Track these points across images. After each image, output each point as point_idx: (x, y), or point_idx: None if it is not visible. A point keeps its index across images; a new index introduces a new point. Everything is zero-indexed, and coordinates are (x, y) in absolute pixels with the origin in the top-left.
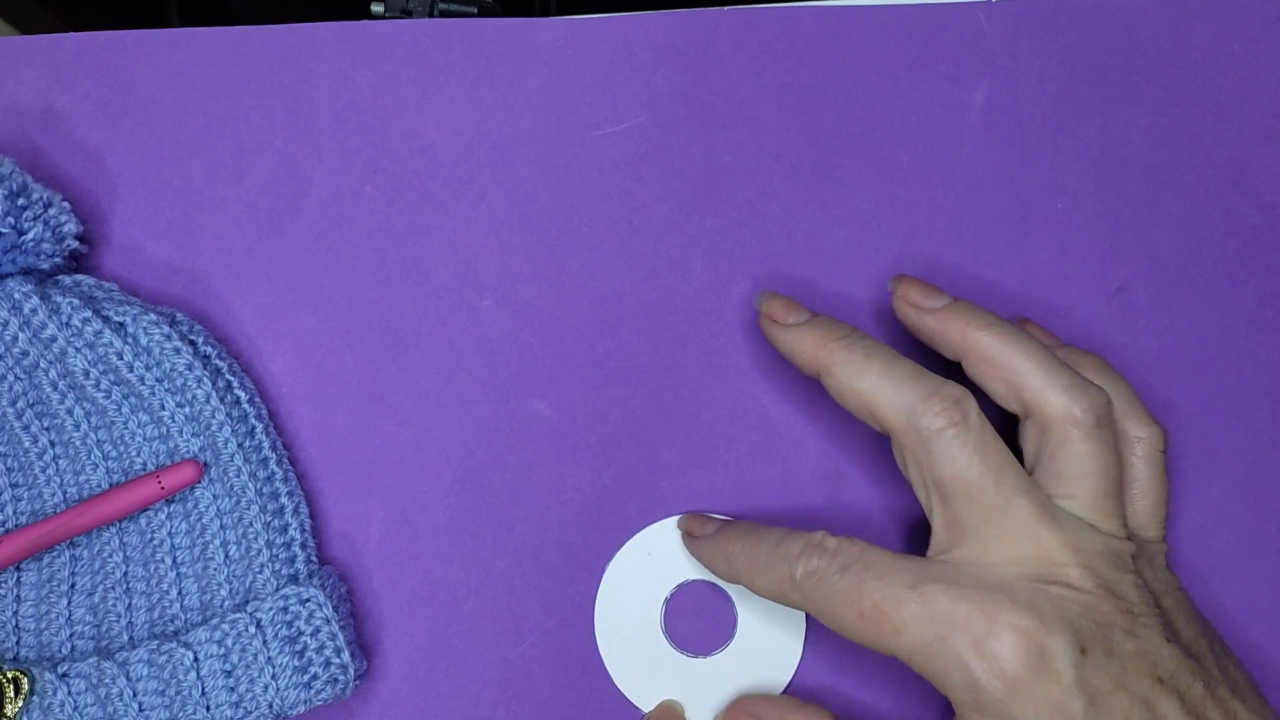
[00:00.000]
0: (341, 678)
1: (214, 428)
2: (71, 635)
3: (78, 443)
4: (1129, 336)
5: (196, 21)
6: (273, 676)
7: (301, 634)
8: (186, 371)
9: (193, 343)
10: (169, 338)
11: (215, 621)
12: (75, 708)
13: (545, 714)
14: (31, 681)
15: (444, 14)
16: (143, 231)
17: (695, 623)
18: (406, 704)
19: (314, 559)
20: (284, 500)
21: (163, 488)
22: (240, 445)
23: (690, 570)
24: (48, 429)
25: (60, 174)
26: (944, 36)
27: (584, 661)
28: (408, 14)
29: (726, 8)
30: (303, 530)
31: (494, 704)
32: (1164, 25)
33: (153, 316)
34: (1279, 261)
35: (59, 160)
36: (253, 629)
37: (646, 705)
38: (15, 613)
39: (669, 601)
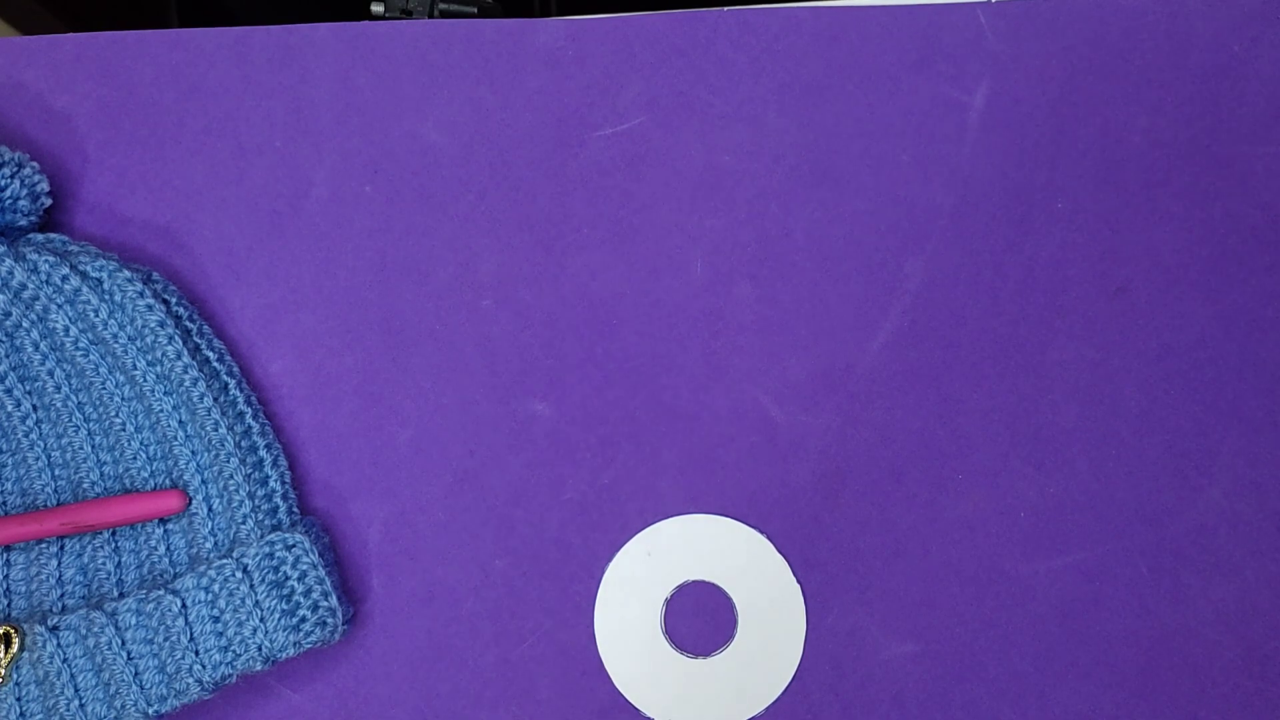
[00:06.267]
0: (330, 620)
1: (187, 384)
2: (62, 595)
3: (59, 405)
4: (1129, 336)
5: (196, 21)
6: (261, 620)
7: (288, 579)
8: (158, 329)
9: (165, 301)
10: (142, 294)
11: (202, 569)
12: (65, 659)
13: (545, 714)
14: (22, 636)
15: (444, 14)
16: (142, 232)
17: (695, 623)
18: (406, 704)
19: (296, 510)
20: (262, 453)
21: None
22: (216, 400)
23: (690, 570)
24: (30, 393)
25: (60, 173)
26: (944, 36)
27: (584, 661)
28: (408, 14)
29: (726, 8)
30: (283, 482)
31: (494, 704)
32: (1164, 25)
33: (127, 273)
34: (1279, 261)
35: (59, 160)
36: (239, 574)
37: (646, 705)
38: (5, 576)
39: (669, 601)
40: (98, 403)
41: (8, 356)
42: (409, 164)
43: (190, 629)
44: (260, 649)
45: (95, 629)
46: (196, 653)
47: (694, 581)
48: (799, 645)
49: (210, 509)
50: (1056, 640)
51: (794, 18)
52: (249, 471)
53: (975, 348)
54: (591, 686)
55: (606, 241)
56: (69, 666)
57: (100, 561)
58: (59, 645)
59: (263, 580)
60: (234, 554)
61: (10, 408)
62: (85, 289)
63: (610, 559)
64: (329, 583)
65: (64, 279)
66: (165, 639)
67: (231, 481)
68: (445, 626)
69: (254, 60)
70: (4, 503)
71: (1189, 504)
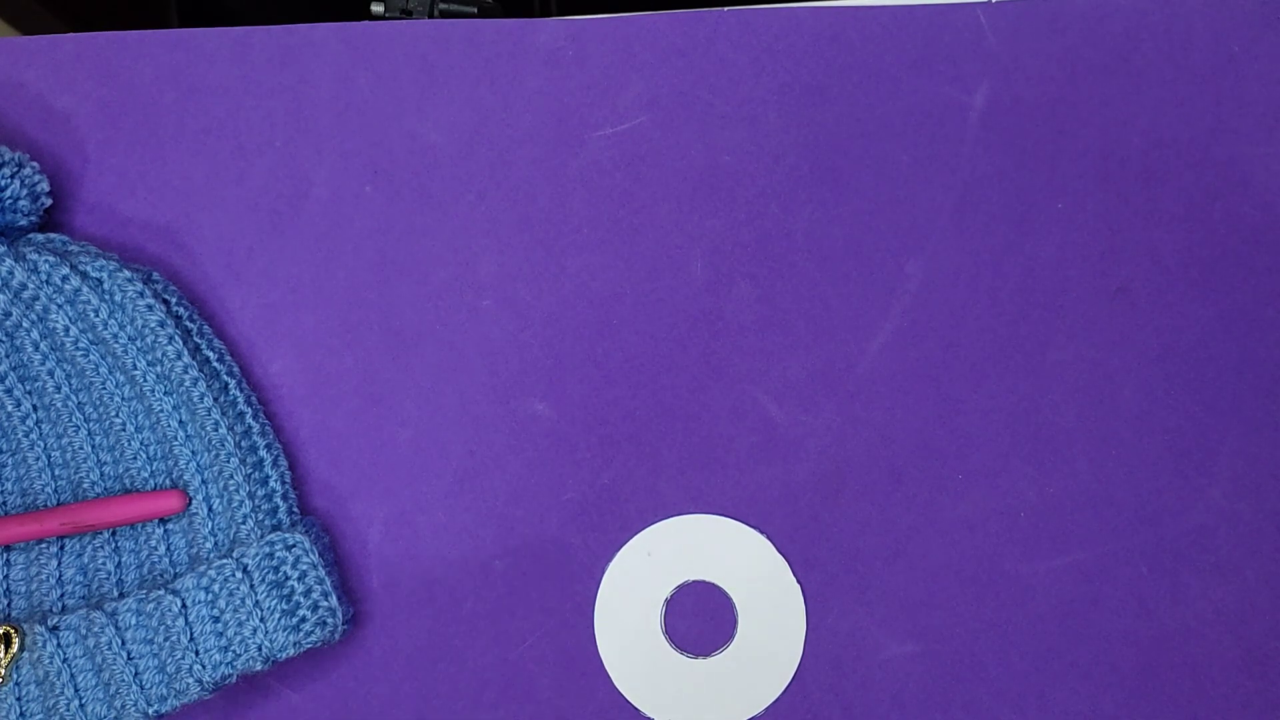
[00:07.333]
0: (330, 620)
1: (187, 384)
2: (62, 595)
3: (59, 405)
4: (1129, 336)
5: (196, 21)
6: (261, 620)
7: (288, 579)
8: (158, 329)
9: (166, 301)
10: (142, 294)
11: (202, 569)
12: (65, 659)
13: (545, 714)
14: (22, 636)
15: (444, 14)
16: (143, 232)
17: (695, 623)
18: (406, 704)
19: (296, 510)
20: (263, 453)
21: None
22: (216, 400)
23: (690, 570)
24: (30, 393)
25: (60, 173)
26: (944, 36)
27: (584, 661)
28: (408, 14)
29: (726, 8)
30: (283, 482)
31: (494, 704)
32: (1164, 25)
33: (127, 273)
34: (1279, 261)
35: (59, 160)
36: (239, 574)
37: (646, 705)
38: (5, 576)
39: (669, 601)
40: (98, 403)
41: (8, 356)
42: (409, 164)
43: (190, 629)
44: (260, 649)
45: (95, 629)
46: (196, 653)
47: (694, 581)
48: (799, 645)
49: (210, 509)
50: (1056, 640)
51: (794, 18)
52: (249, 471)
53: (975, 348)
54: (591, 686)
55: (606, 241)
56: (69, 666)
57: (100, 561)
58: (59, 645)
59: (263, 580)
60: (234, 554)
61: (10, 408)
62: (85, 289)
63: (610, 559)
64: (329, 583)
65: (64, 279)
66: (165, 639)
67: (231, 481)
68: (445, 626)
69: (254, 60)
70: (4, 503)
71: (1189, 504)
